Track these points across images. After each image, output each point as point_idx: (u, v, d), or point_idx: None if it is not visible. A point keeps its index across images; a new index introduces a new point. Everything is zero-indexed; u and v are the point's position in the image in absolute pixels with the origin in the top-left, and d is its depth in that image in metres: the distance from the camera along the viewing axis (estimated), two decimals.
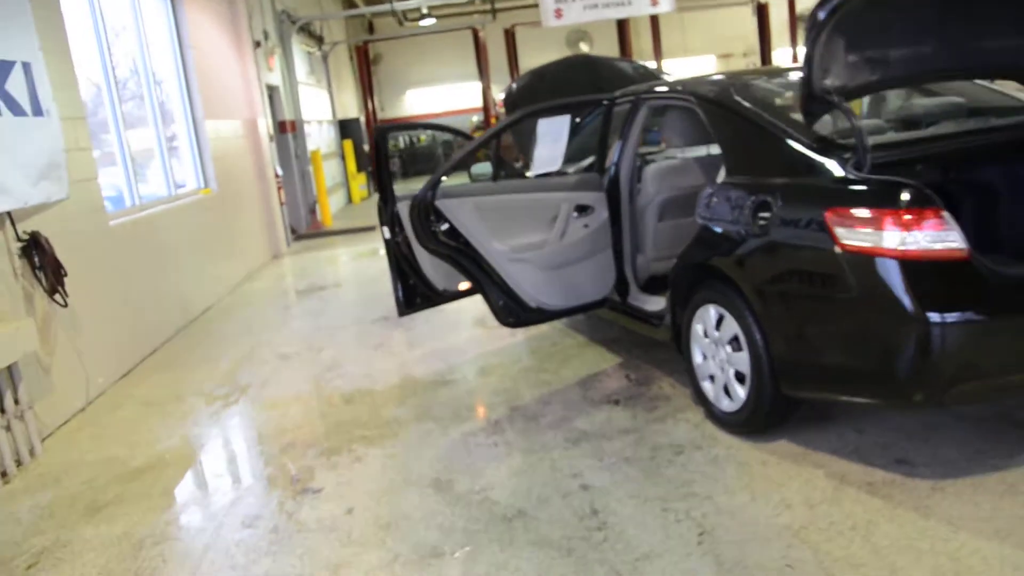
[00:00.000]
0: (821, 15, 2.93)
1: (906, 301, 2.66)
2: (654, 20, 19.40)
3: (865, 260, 2.73)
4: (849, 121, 2.93)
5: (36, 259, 4.69)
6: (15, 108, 4.72)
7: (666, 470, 3.30)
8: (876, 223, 2.70)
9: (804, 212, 2.99)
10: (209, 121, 8.61)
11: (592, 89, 4.94)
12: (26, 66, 4.88)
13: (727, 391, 3.51)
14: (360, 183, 17.81)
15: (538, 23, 11.09)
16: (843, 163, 2.94)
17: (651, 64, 19.71)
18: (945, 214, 2.66)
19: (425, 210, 3.83)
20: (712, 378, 3.62)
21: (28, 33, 4.96)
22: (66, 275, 4.85)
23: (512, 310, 4.15)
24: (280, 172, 11.31)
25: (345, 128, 18.00)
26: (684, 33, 21.93)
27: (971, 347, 2.70)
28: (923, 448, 3.20)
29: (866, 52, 3.11)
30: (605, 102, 4.46)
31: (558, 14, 10.72)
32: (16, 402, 4.31)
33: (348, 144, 17.19)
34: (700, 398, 3.76)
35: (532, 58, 21.48)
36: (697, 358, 3.71)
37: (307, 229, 12.96)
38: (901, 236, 2.65)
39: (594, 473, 3.35)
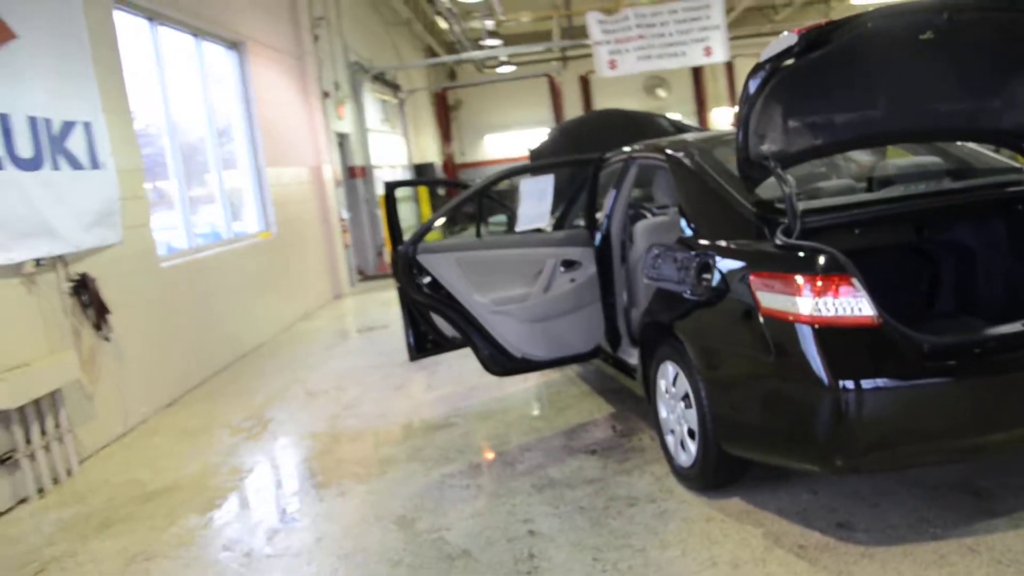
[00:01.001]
0: (754, 83, 3.06)
1: (819, 367, 2.73)
2: (729, 67, 19.42)
3: (783, 325, 2.82)
4: (782, 188, 3.04)
5: (84, 298, 5.21)
6: (74, 163, 5.32)
7: (613, 521, 3.41)
8: (792, 288, 2.79)
9: (736, 275, 3.10)
10: (271, 168, 9.24)
11: (619, 143, 5.11)
12: (87, 125, 5.49)
13: (683, 446, 3.61)
14: None
15: None
16: (774, 228, 3.04)
17: (725, 111, 19.68)
18: (855, 281, 2.73)
19: (407, 264, 4.11)
20: (673, 432, 3.72)
21: (91, 96, 5.59)
22: (110, 313, 5.36)
23: (498, 360, 4.36)
24: (346, 216, 11.90)
25: (421, 172, 18.70)
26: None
27: (886, 414, 2.74)
28: (869, 513, 3.21)
29: (805, 117, 3.22)
30: (594, 162, 4.66)
31: (612, 65, 10.98)
32: (57, 425, 4.79)
33: (423, 188, 17.84)
34: (665, 452, 3.85)
35: (608, 103, 21.85)
36: (662, 412, 3.82)
37: (374, 270, 13.51)
38: (814, 302, 2.73)
39: (545, 520, 3.50)
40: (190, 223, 7.31)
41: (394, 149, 17.01)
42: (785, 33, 3.02)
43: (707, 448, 3.37)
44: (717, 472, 3.42)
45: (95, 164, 5.55)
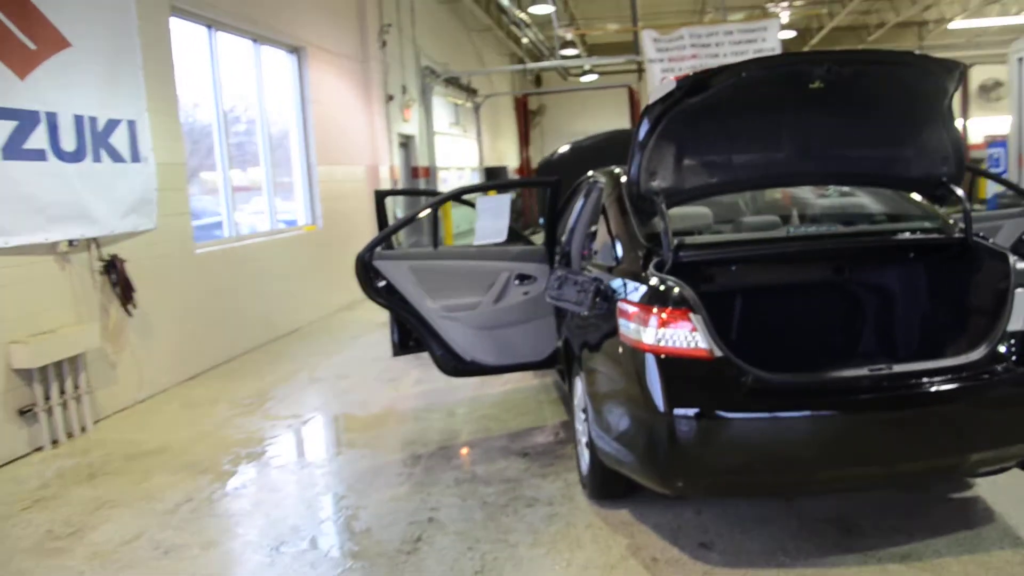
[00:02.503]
0: (645, 125, 3.29)
1: (658, 394, 2.95)
2: None
3: (635, 352, 3.05)
4: (661, 222, 3.27)
5: (113, 277, 5.88)
6: (115, 156, 6.00)
7: (506, 518, 3.71)
8: (642, 318, 3.02)
9: (611, 301, 3.35)
10: (323, 166, 9.88)
11: (619, 161, 5.33)
12: (131, 123, 6.17)
13: (583, 456, 3.87)
14: None
15: None
16: (648, 260, 3.28)
17: None
18: (694, 316, 2.93)
19: (363, 268, 4.51)
20: (579, 443, 3.99)
21: (138, 97, 6.26)
22: (135, 291, 6.01)
23: (448, 361, 4.71)
24: (400, 214, 12.49)
25: (491, 175, 19.18)
26: None
27: (717, 443, 2.93)
28: (735, 537, 3.38)
29: (694, 158, 3.43)
30: (552, 184, 4.93)
31: (664, 82, 11.08)
32: (76, 387, 5.46)
33: (493, 191, 18.28)
34: (577, 461, 4.11)
35: None
36: (577, 423, 4.09)
37: None
38: (657, 333, 2.96)
39: (449, 510, 3.83)
40: (231, 212, 7.98)
41: (464, 151, 17.55)
42: (668, 79, 3.25)
43: (593, 460, 3.62)
44: (604, 484, 3.66)
45: (136, 158, 6.23)
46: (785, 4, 14.43)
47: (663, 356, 2.95)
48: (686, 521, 3.55)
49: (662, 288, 3.03)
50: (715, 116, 3.35)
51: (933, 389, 2.91)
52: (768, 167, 3.54)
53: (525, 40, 17.71)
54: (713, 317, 3.54)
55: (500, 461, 4.44)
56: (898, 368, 2.96)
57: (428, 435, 5.03)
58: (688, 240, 3.51)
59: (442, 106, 15.46)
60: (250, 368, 7.16)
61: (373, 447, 4.83)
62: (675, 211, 4.49)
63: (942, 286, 3.63)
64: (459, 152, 17.07)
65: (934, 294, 3.70)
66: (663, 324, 2.95)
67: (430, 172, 14.36)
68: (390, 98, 12.05)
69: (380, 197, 5.42)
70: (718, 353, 2.92)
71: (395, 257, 4.58)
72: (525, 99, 21.78)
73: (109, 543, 3.71)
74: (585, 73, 22.12)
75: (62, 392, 5.34)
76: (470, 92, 17.55)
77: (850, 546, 3.25)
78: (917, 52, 3.50)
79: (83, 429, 5.49)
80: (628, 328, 3.10)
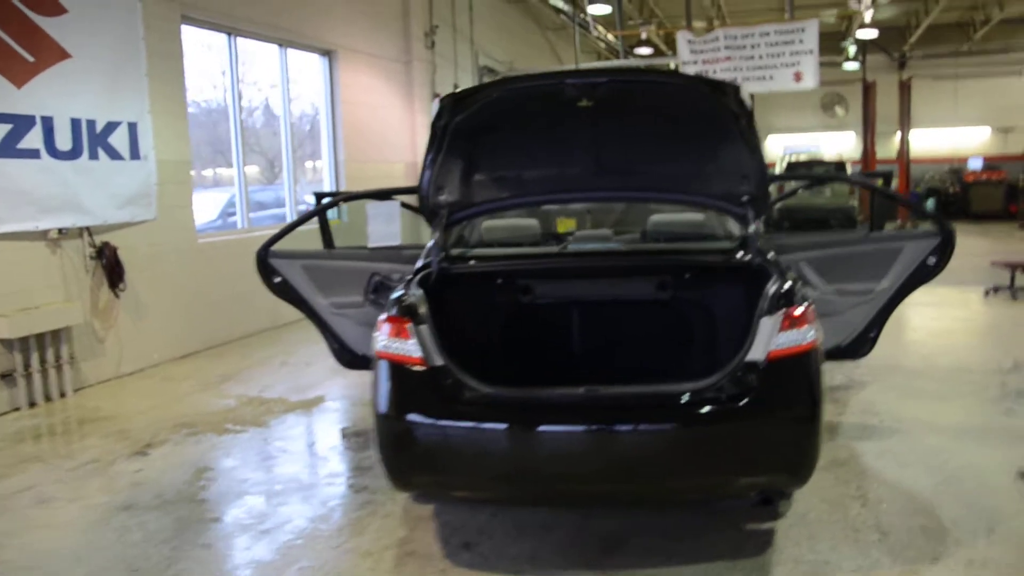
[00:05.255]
0: (431, 140, 3.52)
1: (380, 396, 3.19)
2: (904, 86, 17.92)
3: (376, 357, 3.30)
4: (436, 234, 3.50)
5: (104, 262, 6.64)
6: (113, 154, 6.76)
7: (316, 496, 4.06)
8: (379, 326, 3.27)
9: None
10: (354, 164, 10.48)
11: None
12: (132, 125, 6.92)
13: None
14: None
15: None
16: (420, 272, 3.53)
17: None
18: (411, 327, 3.14)
19: (260, 264, 4.94)
20: None
21: (140, 101, 7.00)
22: (124, 275, 6.75)
23: (342, 353, 5.08)
24: None
25: None
26: (957, 101, 19.79)
27: (429, 448, 3.14)
28: (505, 541, 3.53)
29: (480, 174, 3.61)
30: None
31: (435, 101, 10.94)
32: (57, 358, 6.24)
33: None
34: None
35: (780, 119, 20.98)
36: None
37: None
38: (385, 341, 3.20)
39: (271, 483, 4.23)
40: (245, 207, 8.69)
41: None
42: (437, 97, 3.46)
43: None
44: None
45: (135, 155, 6.98)
46: (869, 1, 13.73)
47: (386, 362, 3.19)
48: (475, 521, 3.74)
49: (398, 299, 3.27)
50: (495, 133, 3.52)
51: (637, 414, 2.99)
52: (561, 182, 3.67)
53: (595, 36, 17.70)
54: (467, 328, 3.74)
55: (372, 451, 4.79)
56: (610, 390, 3.05)
57: (334, 421, 5.44)
58: (457, 253, 3.70)
59: None
60: (238, 351, 7.82)
61: (271, 427, 5.30)
62: (503, 222, 4.69)
63: (726, 310, 3.64)
64: None
65: (713, 317, 3.71)
66: (391, 333, 3.19)
67: None
68: (436, 96, 12.51)
69: (318, 199, 5.80)
70: (437, 362, 3.12)
71: (289, 256, 4.99)
72: None
73: (2, 492, 4.35)
74: None
75: (43, 361, 6.13)
76: None
77: (600, 562, 3.35)
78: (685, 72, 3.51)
79: (62, 395, 6.27)
80: (377, 334, 3.34)
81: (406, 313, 3.20)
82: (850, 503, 3.80)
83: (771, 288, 3.15)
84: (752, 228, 3.46)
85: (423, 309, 3.21)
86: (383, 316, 3.26)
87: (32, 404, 6.02)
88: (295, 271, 4.97)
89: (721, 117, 3.39)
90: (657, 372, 3.79)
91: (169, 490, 4.29)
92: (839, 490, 3.95)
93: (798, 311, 3.02)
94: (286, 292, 5.01)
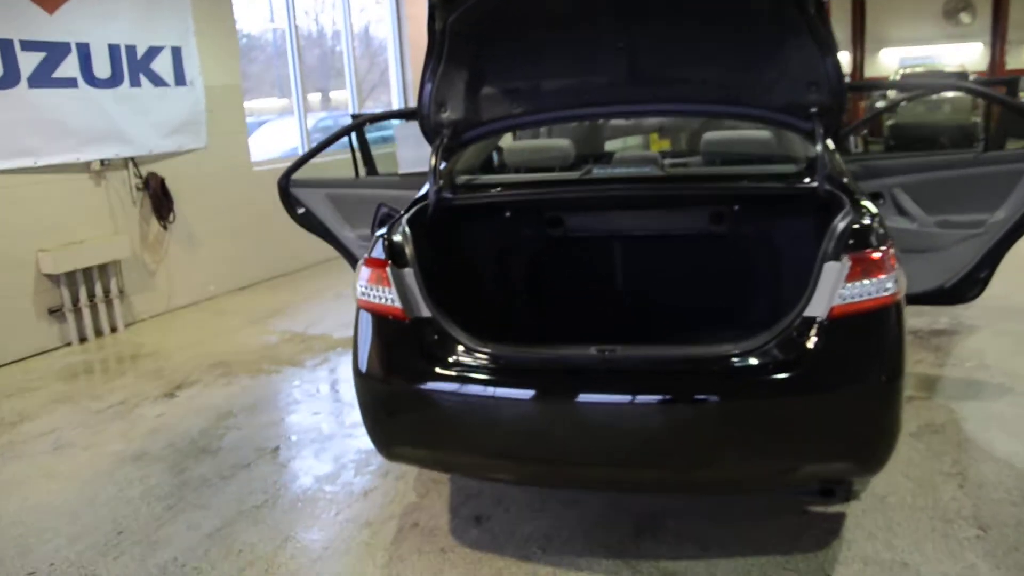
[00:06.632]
0: (430, 41, 2.94)
1: (361, 352, 2.73)
2: None
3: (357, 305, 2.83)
4: (433, 159, 2.98)
5: (151, 193, 6.45)
6: (156, 81, 6.48)
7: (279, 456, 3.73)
8: (360, 269, 2.79)
9: None
10: None
11: None
12: (176, 49, 6.61)
13: None
14: None
15: None
16: (415, 204, 3.02)
17: None
18: (391, 271, 2.64)
19: (283, 194, 4.55)
20: None
21: (183, 23, 6.66)
22: (173, 206, 6.55)
23: None
24: None
25: None
26: None
27: (408, 414, 2.68)
28: (521, 517, 3.08)
29: (499, 84, 3.02)
30: None
31: None
32: (107, 292, 6.15)
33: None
34: None
35: (898, 30, 18.91)
36: None
37: None
38: (363, 287, 2.73)
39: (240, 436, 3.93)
40: (305, 133, 8.35)
41: None
42: None
43: None
44: None
45: (181, 81, 6.69)
46: None
47: (365, 312, 2.73)
48: (494, 488, 3.31)
49: (377, 236, 2.79)
50: (511, 32, 2.92)
51: (659, 383, 2.44)
52: (587, 94, 3.04)
53: None
54: (471, 272, 3.23)
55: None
56: (628, 352, 2.49)
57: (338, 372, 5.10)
58: (464, 180, 3.16)
59: None
60: (294, 284, 7.60)
61: (303, 368, 5.01)
62: (530, 143, 4.08)
63: (788, 248, 2.98)
64: None
65: (775, 257, 3.05)
66: (370, 279, 2.71)
67: None
68: None
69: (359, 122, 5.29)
70: (422, 313, 2.64)
71: (312, 184, 4.58)
72: None
73: (25, 434, 4.24)
74: None
75: (91, 296, 6.04)
76: None
77: (624, 549, 2.86)
78: None
79: (113, 330, 6.20)
80: (357, 279, 2.87)
81: (386, 254, 2.71)
82: (943, 484, 3.14)
83: (839, 224, 2.47)
84: (820, 147, 2.75)
85: (408, 250, 2.72)
86: (362, 258, 2.79)
87: (83, 339, 5.97)
88: (319, 201, 4.57)
89: (783, 4, 2.67)
90: (706, 326, 3.20)
91: (183, 439, 4.06)
92: (930, 465, 3.29)
93: (874, 254, 2.35)
94: (311, 224, 4.64)
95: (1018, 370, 4.29)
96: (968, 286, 3.84)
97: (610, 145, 4.85)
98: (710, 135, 3.40)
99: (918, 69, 15.58)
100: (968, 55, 18.46)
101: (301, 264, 8.16)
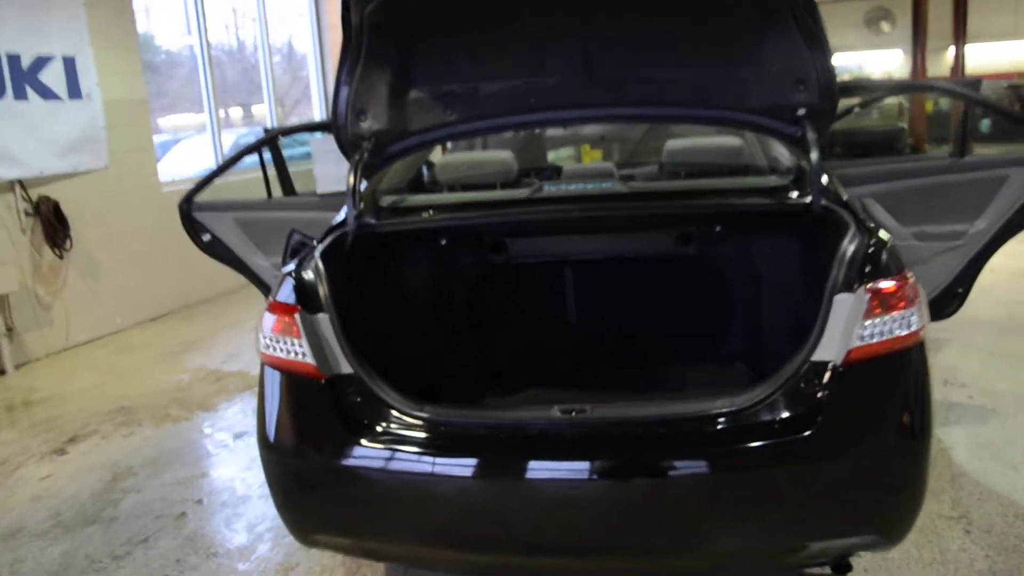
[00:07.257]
0: (346, 40, 2.46)
1: (268, 418, 2.21)
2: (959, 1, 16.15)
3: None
4: (348, 180, 2.52)
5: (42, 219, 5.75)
6: (46, 94, 5.79)
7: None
8: (264, 314, 2.26)
9: None
10: None
11: None
12: (68, 60, 5.92)
13: None
14: None
15: None
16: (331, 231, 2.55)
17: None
18: (300, 318, 2.14)
19: (185, 219, 3.99)
20: None
21: (76, 32, 5.98)
22: (68, 232, 5.86)
23: None
24: None
25: None
26: (1019, 13, 17.89)
27: (326, 495, 2.18)
28: None
29: (428, 88, 2.57)
30: None
31: None
32: None
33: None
34: None
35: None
36: None
37: None
38: (267, 338, 2.20)
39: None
40: (220, 152, 7.72)
41: None
42: None
43: None
44: None
45: (76, 94, 6.00)
46: None
47: (271, 369, 2.21)
48: None
49: (284, 274, 2.29)
50: (443, 24, 2.48)
51: (648, 451, 1.98)
52: (534, 97, 2.60)
53: None
54: (397, 312, 2.78)
55: None
56: (600, 413, 2.03)
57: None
58: (389, 202, 2.71)
59: None
60: (213, 312, 6.96)
61: (215, 413, 4.42)
62: (467, 156, 3.68)
63: (762, 273, 2.61)
64: None
65: (741, 284, 2.68)
66: (274, 327, 2.19)
67: None
68: None
69: (272, 136, 4.73)
70: (343, 370, 2.14)
71: (218, 208, 4.02)
72: None
73: None
74: None
75: None
76: None
77: None
78: None
79: (1, 372, 5.47)
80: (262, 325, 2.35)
81: (295, 298, 2.20)
82: (947, 530, 2.80)
83: (849, 248, 2.07)
84: (814, 155, 2.36)
85: (322, 290, 2.22)
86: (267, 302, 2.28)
87: None
88: (227, 227, 4.01)
89: None
90: (674, 360, 2.79)
91: (71, 507, 3.44)
92: (929, 507, 2.86)
93: (897, 283, 1.96)
94: (219, 252, 4.07)
95: (996, 389, 4.03)
96: (946, 302, 3.55)
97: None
98: (673, 143, 3.00)
99: (844, 76, 15.76)
100: (891, 62, 18.96)
101: (220, 290, 7.49)
